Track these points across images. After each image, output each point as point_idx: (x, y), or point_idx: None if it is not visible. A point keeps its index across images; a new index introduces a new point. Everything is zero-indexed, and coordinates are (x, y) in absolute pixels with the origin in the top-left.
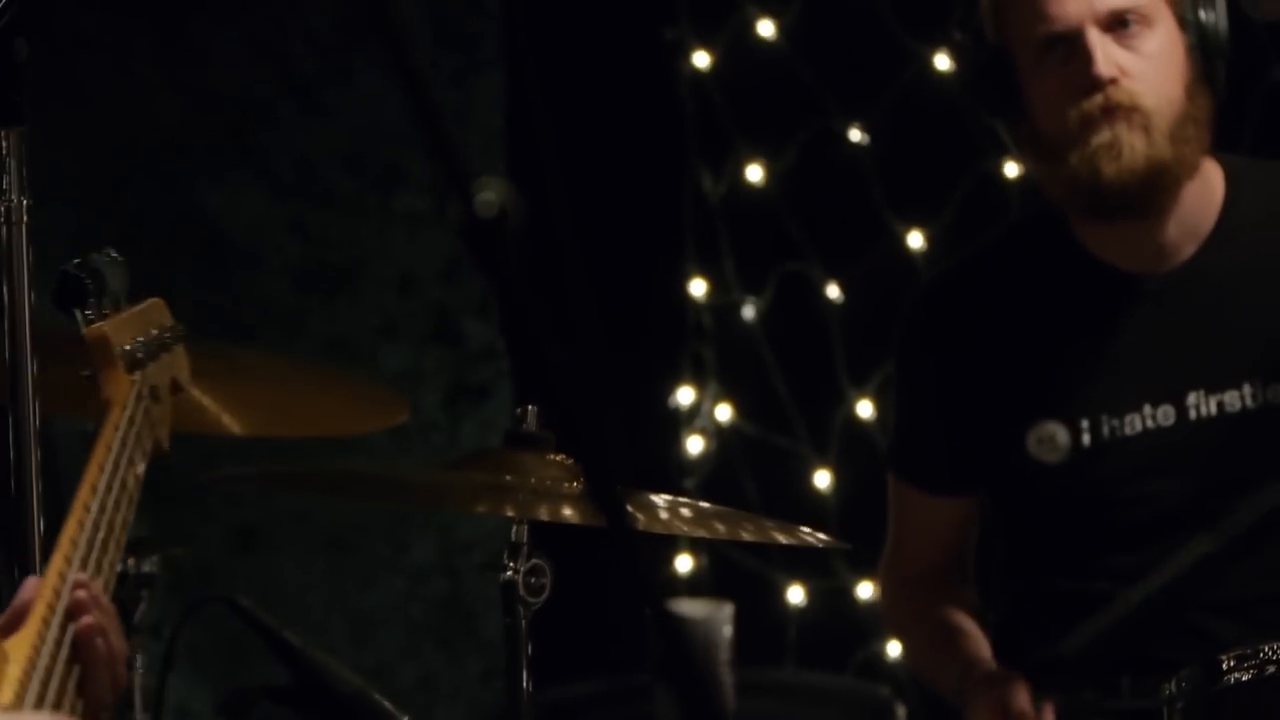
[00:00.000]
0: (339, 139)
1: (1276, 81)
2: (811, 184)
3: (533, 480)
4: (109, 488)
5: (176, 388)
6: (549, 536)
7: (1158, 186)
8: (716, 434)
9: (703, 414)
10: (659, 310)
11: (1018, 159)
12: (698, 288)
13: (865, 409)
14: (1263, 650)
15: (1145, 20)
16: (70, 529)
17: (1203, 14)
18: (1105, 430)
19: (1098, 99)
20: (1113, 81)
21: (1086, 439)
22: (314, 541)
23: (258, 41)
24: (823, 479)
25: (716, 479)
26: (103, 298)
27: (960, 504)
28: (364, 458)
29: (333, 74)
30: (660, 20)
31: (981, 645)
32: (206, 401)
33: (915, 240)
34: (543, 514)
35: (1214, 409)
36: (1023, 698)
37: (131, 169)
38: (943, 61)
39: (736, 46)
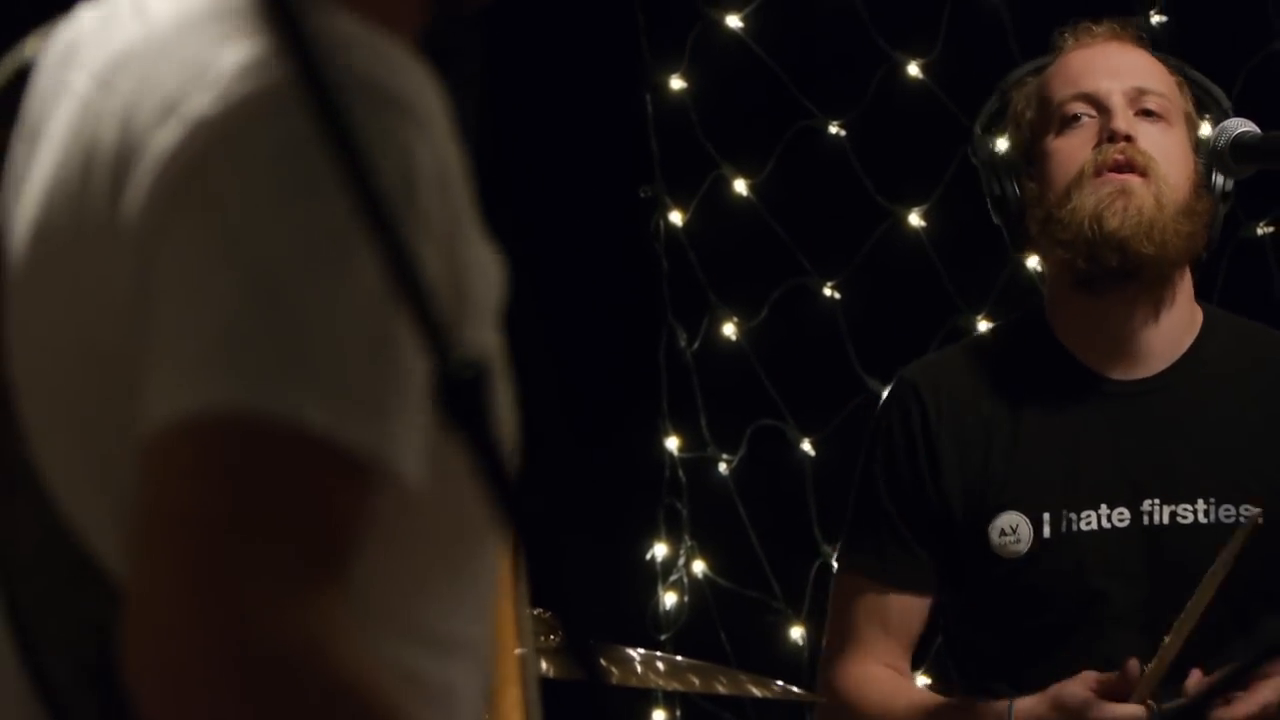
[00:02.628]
0: None
1: None
2: (785, 340)
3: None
4: None
5: None
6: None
7: (1154, 256)
8: (691, 588)
9: (677, 568)
10: (634, 465)
11: (1015, 248)
12: (672, 443)
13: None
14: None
15: (1166, 114)
16: None
17: (1209, 139)
18: (1064, 524)
19: (1115, 150)
20: (1131, 139)
21: (1047, 531)
22: None
23: None
24: (797, 633)
25: (691, 633)
26: None
27: (918, 601)
28: None
29: None
30: (636, 178)
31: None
32: None
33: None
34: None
35: (1168, 519)
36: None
37: None
38: (915, 218)
39: (711, 204)
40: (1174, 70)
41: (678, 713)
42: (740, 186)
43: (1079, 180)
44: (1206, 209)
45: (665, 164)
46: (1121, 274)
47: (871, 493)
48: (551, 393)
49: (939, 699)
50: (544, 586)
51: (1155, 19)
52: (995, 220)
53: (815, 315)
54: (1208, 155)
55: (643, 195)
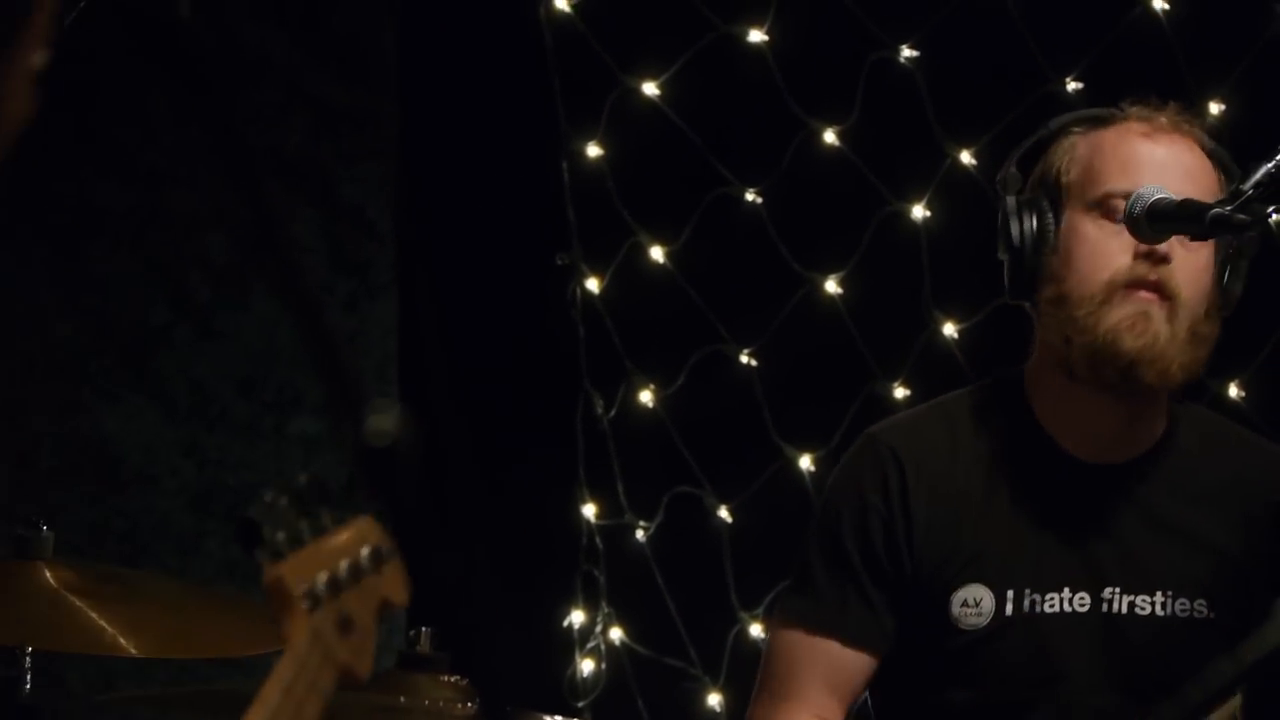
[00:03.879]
0: (234, 362)
1: None
2: (702, 408)
3: (426, 702)
4: None
5: (388, 607)
6: None
7: (1154, 383)
8: (608, 655)
9: (595, 635)
10: (551, 533)
11: (905, 382)
12: (589, 510)
13: (756, 630)
14: None
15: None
16: None
17: (1230, 268)
18: (1026, 603)
19: (1147, 269)
20: (1165, 261)
21: (1009, 608)
22: None
23: (154, 266)
24: (714, 700)
25: (608, 700)
26: (284, 532)
27: (870, 661)
28: (260, 679)
29: (229, 298)
30: (553, 246)
31: None
32: (103, 623)
33: (805, 463)
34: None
35: (1125, 608)
36: None
37: (28, 390)
38: (832, 286)
39: (627, 271)
40: (1215, 163)
41: None
42: (657, 254)
43: (1108, 289)
44: (1213, 332)
45: (582, 231)
46: (1122, 381)
47: (838, 549)
48: (469, 460)
49: None
50: (461, 654)
51: (1071, 85)
52: (1000, 257)
53: (732, 382)
54: (1223, 279)
55: (559, 263)
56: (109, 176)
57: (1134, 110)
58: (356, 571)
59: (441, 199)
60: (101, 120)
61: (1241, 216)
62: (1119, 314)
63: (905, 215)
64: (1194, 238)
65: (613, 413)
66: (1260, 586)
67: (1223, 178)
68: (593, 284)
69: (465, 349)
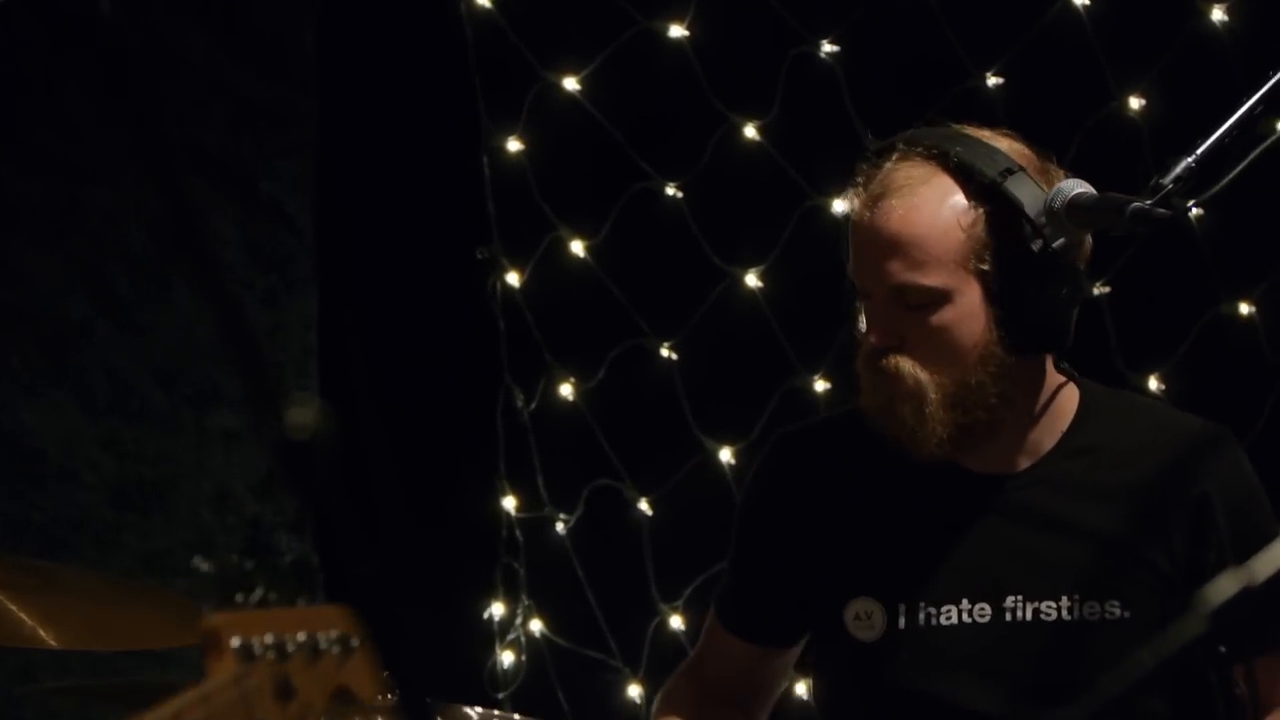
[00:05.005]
0: (154, 356)
1: None
2: (622, 401)
3: None
4: None
5: (347, 695)
6: None
7: (943, 440)
8: (528, 647)
9: (515, 627)
10: (471, 525)
11: (825, 376)
12: (509, 503)
13: (676, 622)
14: None
15: (935, 298)
16: None
17: (1013, 285)
18: (921, 616)
19: (874, 358)
20: (888, 350)
21: (902, 622)
22: None
23: (74, 260)
24: (634, 691)
25: (529, 692)
26: (245, 595)
27: (762, 651)
28: (180, 671)
29: (149, 293)
30: (473, 240)
31: None
32: (21, 615)
33: (725, 456)
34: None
35: (1030, 615)
36: None
37: None
38: (752, 280)
39: (547, 265)
40: (973, 199)
41: None
42: (577, 248)
43: (861, 370)
44: (1013, 362)
45: (502, 225)
46: (918, 453)
47: (742, 545)
48: (389, 453)
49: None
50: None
51: (992, 80)
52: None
53: (652, 376)
54: (1006, 304)
55: (480, 256)
56: (28, 172)
57: (865, 170)
58: (314, 648)
59: (361, 194)
60: (21, 116)
61: (1161, 211)
62: (875, 399)
63: (826, 209)
64: (1111, 233)
65: (533, 406)
66: (1179, 580)
67: (976, 213)
68: (513, 278)
69: (385, 343)
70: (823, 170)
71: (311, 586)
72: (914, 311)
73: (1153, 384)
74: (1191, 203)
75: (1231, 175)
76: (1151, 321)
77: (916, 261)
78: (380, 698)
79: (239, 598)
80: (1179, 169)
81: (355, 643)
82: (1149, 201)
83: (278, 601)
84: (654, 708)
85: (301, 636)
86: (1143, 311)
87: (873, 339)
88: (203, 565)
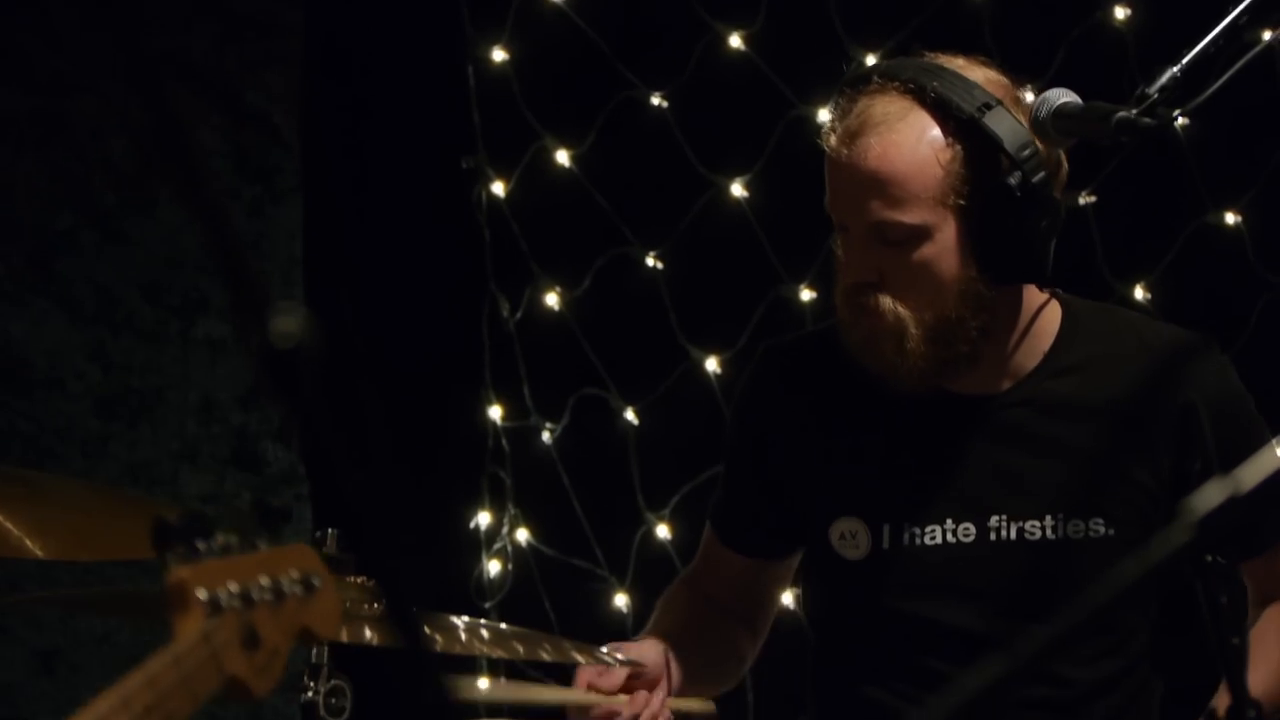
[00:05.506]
0: (140, 267)
1: None
2: (608, 310)
3: None
4: None
5: (310, 636)
6: (349, 658)
7: (924, 370)
8: (515, 556)
9: (501, 537)
10: (457, 435)
11: (811, 285)
12: (495, 412)
13: (663, 531)
14: None
15: (914, 235)
16: None
17: (992, 220)
18: (905, 537)
19: (853, 294)
20: (867, 286)
21: (886, 541)
22: (117, 664)
23: (59, 171)
24: (621, 600)
25: (515, 601)
26: (206, 543)
27: (755, 563)
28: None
29: (134, 203)
30: (458, 149)
31: (675, 644)
32: (8, 525)
33: (711, 365)
34: (343, 635)
35: (1014, 534)
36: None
37: None
38: (738, 189)
39: (533, 175)
40: (951, 135)
41: (502, 680)
42: (562, 157)
43: (841, 305)
44: (993, 294)
45: (487, 135)
46: (900, 384)
47: (731, 458)
48: (374, 363)
49: (673, 630)
50: (367, 555)
51: None
52: None
53: (638, 285)
54: (983, 237)
55: (465, 166)
56: (12, 83)
57: (841, 102)
58: (278, 592)
59: (346, 104)
60: (4, 26)
61: (1147, 120)
62: (855, 335)
63: (811, 119)
64: (1097, 143)
65: (518, 315)
66: (1165, 495)
67: (955, 149)
68: (498, 188)
69: (370, 253)
70: (808, 79)
71: (272, 527)
72: (892, 248)
73: (1139, 294)
74: (1177, 112)
75: (1217, 85)
76: (1137, 231)
77: (895, 199)
78: (339, 633)
79: (200, 545)
80: (1164, 78)
81: (317, 582)
82: (1135, 111)
83: (239, 546)
84: (654, 613)
85: (265, 581)
86: (1129, 221)
87: (852, 276)
88: (170, 516)
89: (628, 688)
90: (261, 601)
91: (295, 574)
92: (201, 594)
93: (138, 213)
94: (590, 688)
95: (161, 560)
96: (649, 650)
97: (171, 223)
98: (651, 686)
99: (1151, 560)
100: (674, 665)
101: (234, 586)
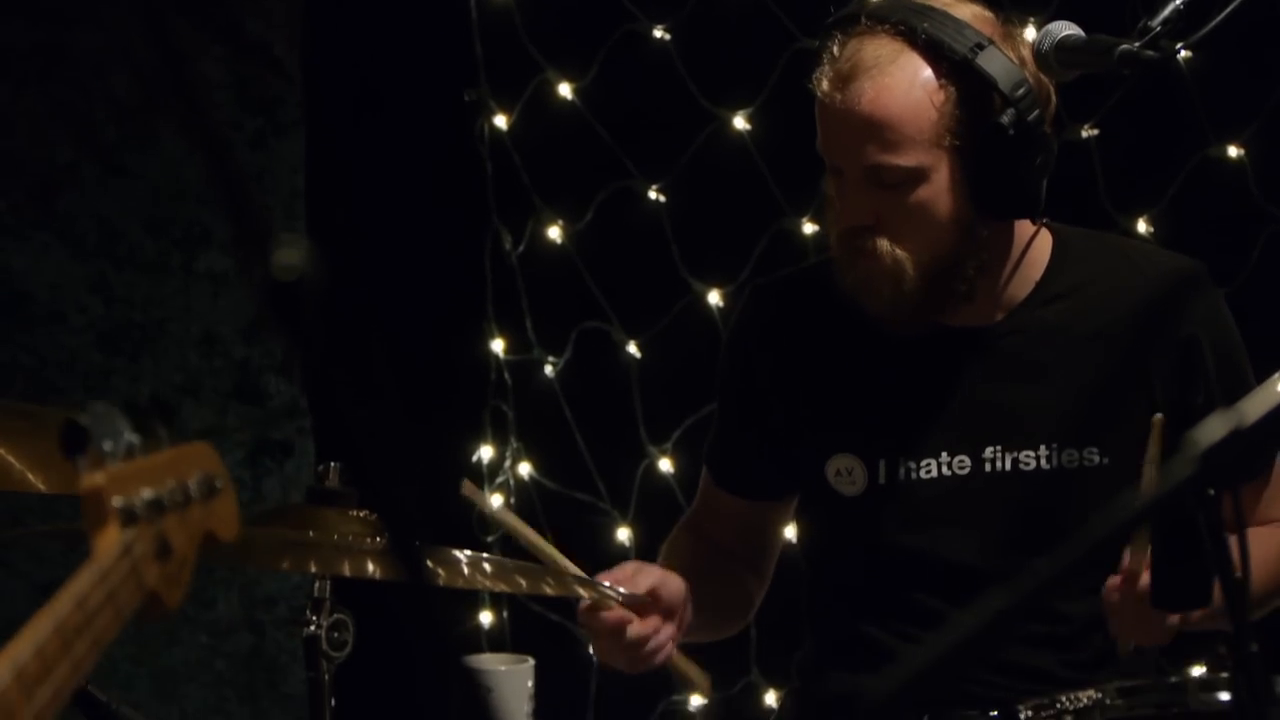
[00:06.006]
0: (142, 200)
1: None
2: (610, 243)
3: (335, 536)
4: (57, 648)
5: (213, 540)
6: (352, 591)
7: (920, 306)
8: (517, 490)
9: (503, 470)
10: (459, 368)
11: (813, 218)
12: (497, 345)
13: (665, 465)
14: (1060, 700)
15: (910, 178)
16: None
17: (987, 160)
18: (901, 471)
19: (849, 237)
20: (864, 228)
21: (882, 477)
22: None
23: (61, 105)
24: (623, 534)
25: None
26: (113, 442)
27: (753, 505)
28: None
29: (135, 136)
30: (460, 82)
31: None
32: (10, 459)
33: (713, 298)
34: (345, 569)
35: (1009, 465)
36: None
37: None
38: (740, 122)
39: (535, 107)
40: (944, 77)
41: (504, 614)
42: (565, 90)
43: (836, 246)
44: (989, 232)
45: (489, 68)
46: (900, 322)
47: (725, 397)
48: (376, 296)
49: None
50: (369, 488)
51: None
52: None
53: (640, 218)
54: (979, 178)
55: (467, 99)
56: (13, 15)
57: (830, 48)
58: (184, 496)
59: (349, 36)
60: None
61: (1150, 53)
62: (852, 277)
63: (814, 52)
64: (1099, 76)
65: (521, 248)
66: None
67: (949, 91)
68: (501, 120)
69: (373, 186)
70: (811, 12)
71: (166, 418)
72: (888, 190)
73: (1141, 227)
74: (1180, 45)
75: (1220, 17)
76: (1140, 164)
77: (890, 142)
78: (237, 535)
79: (108, 446)
80: (1167, 11)
81: (219, 484)
82: (1137, 44)
83: (143, 446)
84: (659, 559)
85: (172, 484)
86: (1131, 154)
87: (847, 219)
88: (81, 418)
89: (642, 610)
90: (172, 507)
91: (199, 475)
92: (117, 502)
93: (140, 146)
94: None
95: (74, 466)
96: (672, 582)
97: (174, 156)
98: (667, 617)
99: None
100: (688, 607)
101: (146, 493)
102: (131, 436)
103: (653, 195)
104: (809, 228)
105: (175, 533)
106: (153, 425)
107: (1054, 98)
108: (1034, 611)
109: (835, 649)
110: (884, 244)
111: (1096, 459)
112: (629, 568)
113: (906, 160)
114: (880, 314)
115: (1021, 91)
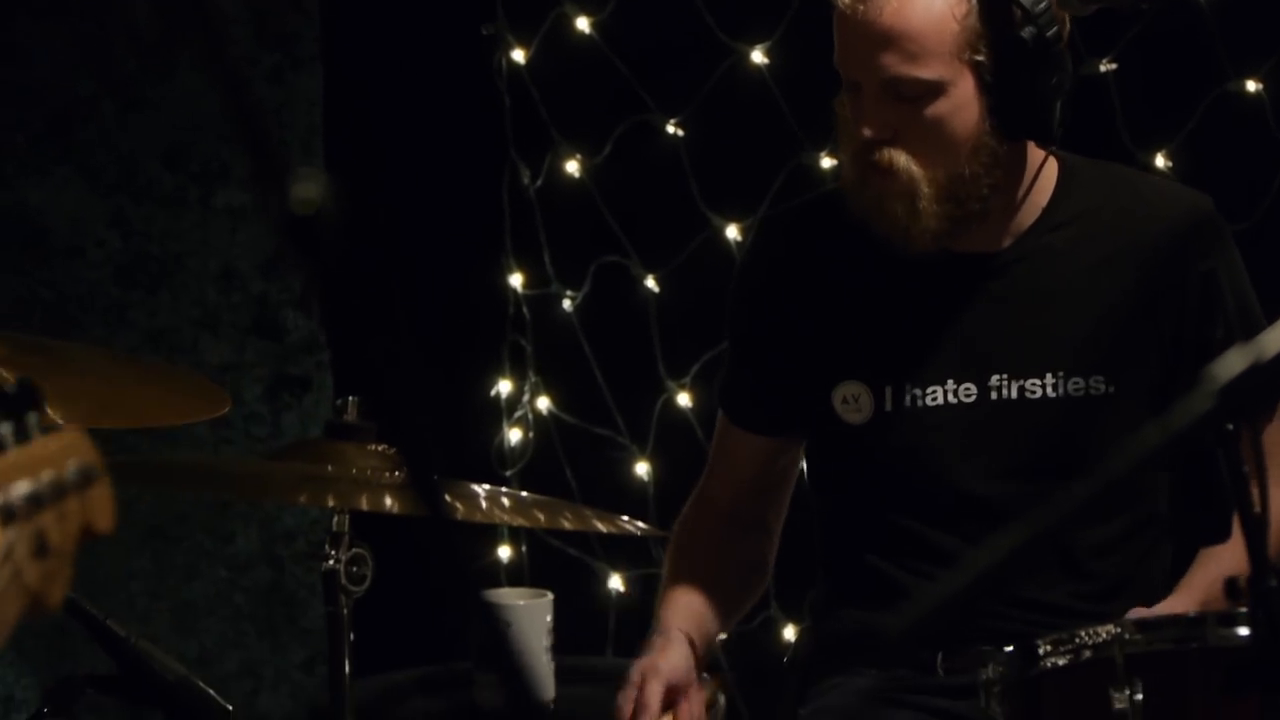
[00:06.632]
0: (160, 135)
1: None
2: (629, 178)
3: (354, 470)
4: None
5: (90, 534)
6: (370, 526)
7: (933, 231)
8: (536, 424)
9: (522, 404)
10: (478, 302)
11: (834, 153)
12: (516, 280)
13: (684, 399)
14: (1079, 635)
15: (930, 90)
16: None
17: (1007, 75)
18: (907, 398)
19: (865, 153)
20: (879, 143)
21: (888, 404)
22: (137, 532)
23: (79, 39)
24: (642, 469)
25: (536, 469)
26: None
27: (768, 444)
28: (186, 449)
29: (154, 71)
30: (477, 15)
31: (700, 610)
32: None
33: (731, 233)
34: (364, 504)
35: (1015, 393)
36: (654, 692)
37: None
38: (759, 56)
39: (553, 41)
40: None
41: (523, 548)
42: (582, 24)
43: (852, 170)
44: (1005, 152)
45: (507, 1)
46: (908, 245)
47: (734, 331)
48: (394, 230)
49: (682, 601)
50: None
51: None
52: None
53: (658, 152)
54: (999, 94)
55: (485, 33)
56: None
57: None
58: (60, 488)
59: None
60: None
61: None
62: (861, 200)
63: None
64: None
65: (539, 182)
66: (1166, 351)
67: (966, 11)
68: (518, 54)
69: (391, 121)
70: None
71: (36, 404)
72: (907, 104)
73: (1159, 161)
74: None
75: None
76: (1158, 99)
77: (911, 54)
78: (113, 524)
79: None
80: None
81: (95, 473)
82: None
83: (14, 435)
84: (668, 563)
85: (48, 476)
86: (1149, 89)
87: (866, 132)
88: None
89: (665, 699)
90: (49, 500)
91: (74, 465)
92: None
93: (158, 80)
94: None
95: None
96: (677, 662)
97: (192, 90)
98: (686, 689)
99: (1173, 427)
100: (698, 646)
101: (23, 486)
102: (3, 426)
103: (671, 129)
104: (827, 162)
105: (53, 529)
106: (23, 413)
107: (1067, 23)
108: (1050, 547)
109: (847, 584)
110: (901, 158)
111: (1103, 388)
112: (637, 679)
113: (927, 72)
114: (892, 235)
115: (1042, 6)
